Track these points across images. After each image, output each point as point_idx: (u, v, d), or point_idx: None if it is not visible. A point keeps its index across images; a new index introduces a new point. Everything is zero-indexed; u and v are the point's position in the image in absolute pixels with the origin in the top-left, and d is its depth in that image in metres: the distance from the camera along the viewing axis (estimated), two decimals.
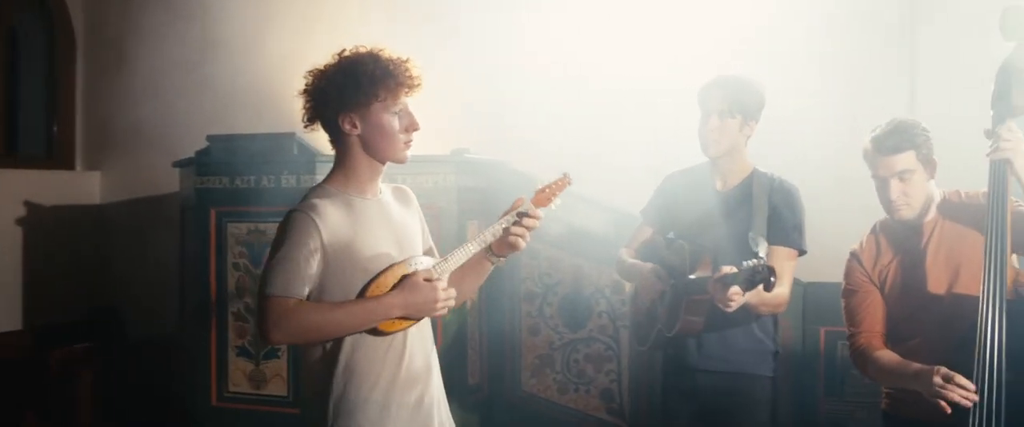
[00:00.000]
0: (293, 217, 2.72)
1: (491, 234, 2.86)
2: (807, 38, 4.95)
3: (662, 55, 5.07)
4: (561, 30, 5.33)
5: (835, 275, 3.45)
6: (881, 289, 3.29)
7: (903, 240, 3.27)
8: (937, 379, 2.93)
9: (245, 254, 4.89)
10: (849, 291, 3.34)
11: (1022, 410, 2.88)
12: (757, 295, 3.25)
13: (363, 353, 2.77)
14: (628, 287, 4.35)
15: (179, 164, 5.33)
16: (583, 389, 5.05)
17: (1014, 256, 3.08)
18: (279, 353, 4.82)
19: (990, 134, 2.95)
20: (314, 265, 2.70)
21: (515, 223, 2.85)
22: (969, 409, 2.88)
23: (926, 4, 4.94)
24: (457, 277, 2.87)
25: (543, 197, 2.88)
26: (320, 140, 4.65)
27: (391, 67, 2.75)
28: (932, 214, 3.23)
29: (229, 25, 6.06)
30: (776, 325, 3.69)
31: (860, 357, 3.29)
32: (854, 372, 4.24)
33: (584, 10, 5.31)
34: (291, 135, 4.78)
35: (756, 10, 5.00)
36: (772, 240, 3.44)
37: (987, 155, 2.95)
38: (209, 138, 5.06)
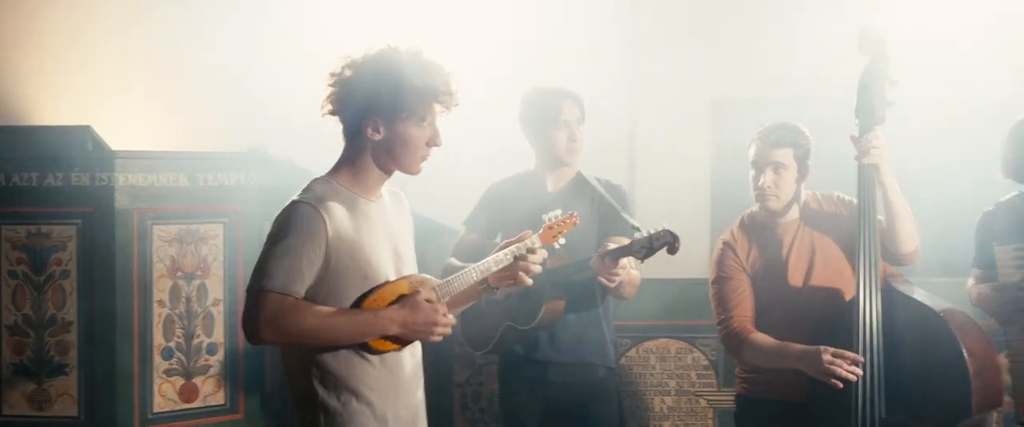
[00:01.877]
0: (299, 208, 2.57)
1: (494, 262, 2.81)
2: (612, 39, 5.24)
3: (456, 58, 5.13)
4: (359, 29, 5.25)
5: None
6: (753, 279, 3.59)
7: (770, 234, 3.60)
8: (827, 356, 3.26)
9: (24, 260, 4.37)
10: (722, 278, 3.60)
11: (895, 382, 3.28)
12: (628, 274, 3.52)
13: (357, 365, 2.64)
14: None
15: None
16: None
17: None
18: (67, 370, 4.37)
19: (857, 141, 3.32)
20: (316, 264, 2.55)
21: (521, 258, 2.82)
22: (853, 383, 3.24)
23: None
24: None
25: (550, 234, 2.90)
26: (120, 135, 4.31)
27: (431, 80, 2.63)
28: (796, 213, 3.58)
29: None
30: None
31: (735, 340, 3.55)
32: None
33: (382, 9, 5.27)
34: (85, 128, 4.34)
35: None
36: (611, 232, 3.70)
37: (856, 159, 3.32)
38: None
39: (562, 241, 2.93)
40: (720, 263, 3.61)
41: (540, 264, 2.98)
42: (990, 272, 3.56)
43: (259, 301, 2.52)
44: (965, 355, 3.24)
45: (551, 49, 5.23)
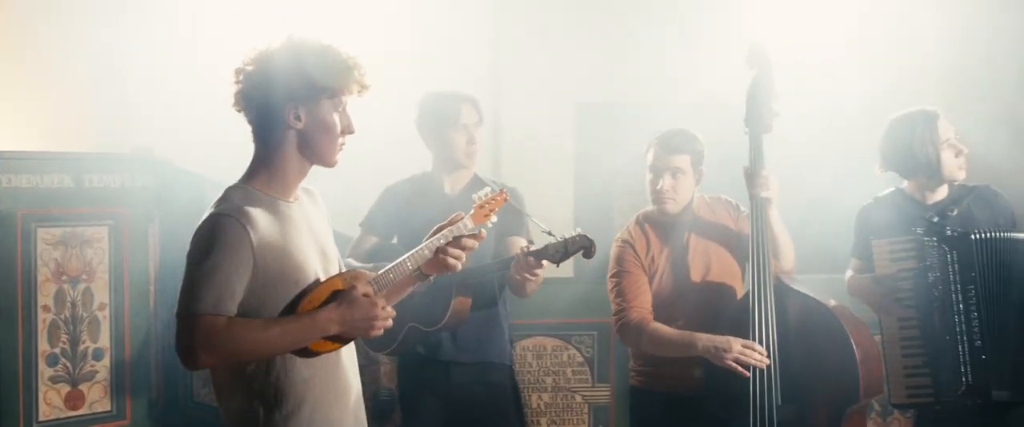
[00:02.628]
0: (219, 222, 2.42)
1: (428, 250, 2.75)
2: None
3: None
4: (238, 31, 5.17)
5: None
6: (649, 275, 3.74)
7: (669, 234, 3.76)
8: (738, 346, 3.45)
9: None
10: (621, 272, 3.72)
11: (788, 372, 3.50)
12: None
13: (295, 374, 2.52)
14: None
15: None
16: None
17: None
18: None
19: (753, 175, 3.53)
20: (245, 278, 2.42)
21: (452, 243, 2.78)
22: (752, 371, 3.44)
23: None
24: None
25: (482, 214, 2.85)
26: (3, 135, 4.15)
27: (348, 61, 2.55)
28: (689, 214, 3.77)
29: None
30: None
31: (634, 330, 3.67)
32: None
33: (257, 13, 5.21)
34: None
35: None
36: (509, 232, 3.80)
37: (752, 192, 3.53)
38: None
39: (494, 219, 2.90)
40: (619, 259, 3.74)
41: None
42: (867, 264, 3.78)
43: (191, 325, 2.38)
44: (853, 345, 3.48)
45: (423, 49, 5.29)
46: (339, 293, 2.55)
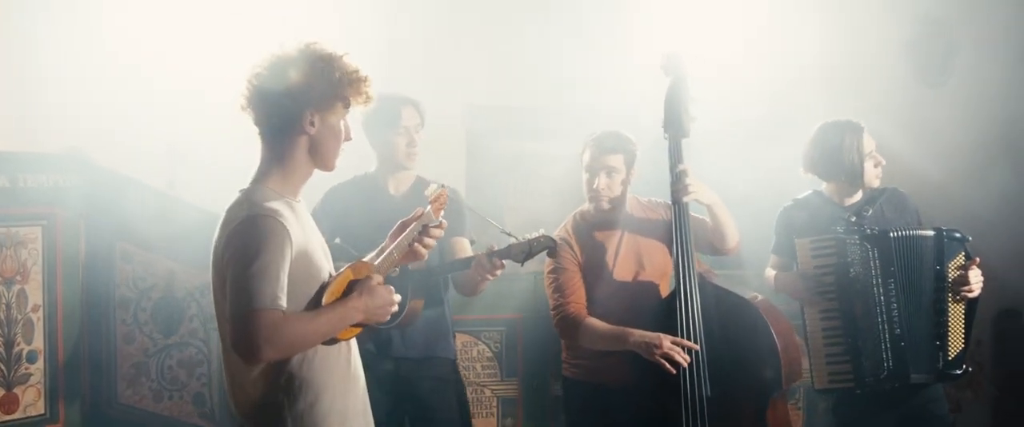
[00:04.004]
0: (263, 222, 2.53)
1: (408, 242, 2.90)
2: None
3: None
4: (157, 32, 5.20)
5: None
6: (584, 272, 3.91)
7: (603, 231, 3.94)
8: (667, 343, 3.64)
9: None
10: (558, 269, 3.88)
11: (716, 364, 3.72)
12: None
13: (317, 363, 2.66)
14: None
15: None
16: (177, 395, 4.95)
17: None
18: None
19: (675, 178, 3.74)
20: (287, 274, 2.55)
21: (423, 232, 2.92)
22: (683, 365, 3.64)
23: None
24: None
25: (437, 208, 2.98)
26: None
27: (360, 73, 2.67)
28: (625, 213, 3.96)
29: None
30: None
31: (571, 323, 3.84)
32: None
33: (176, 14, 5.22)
34: None
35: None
36: (453, 233, 3.88)
37: (677, 195, 3.73)
38: None
39: (442, 214, 3.03)
40: (556, 256, 3.88)
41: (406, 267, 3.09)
42: (787, 261, 4.03)
43: (254, 322, 2.46)
44: (775, 336, 3.73)
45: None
46: (354, 283, 2.70)
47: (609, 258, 3.93)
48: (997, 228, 5.09)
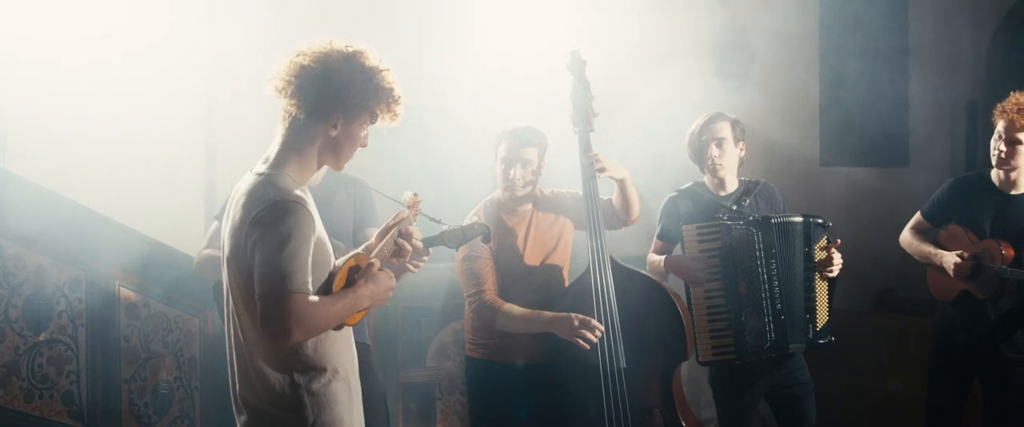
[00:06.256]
0: (291, 208, 2.63)
1: (392, 241, 3.01)
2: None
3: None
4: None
5: None
6: (496, 259, 4.14)
7: (511, 220, 4.19)
8: (576, 323, 3.92)
9: None
10: (472, 256, 4.08)
11: (628, 338, 4.05)
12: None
13: (332, 342, 2.79)
14: None
15: None
16: (47, 394, 4.78)
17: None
18: None
19: (584, 159, 4.08)
20: (310, 259, 2.66)
21: (402, 235, 3.03)
22: (595, 343, 3.95)
23: None
24: None
25: (415, 212, 3.13)
26: None
27: (393, 88, 2.76)
28: (535, 202, 4.23)
29: None
30: None
31: (488, 310, 4.07)
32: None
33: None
34: None
35: None
36: (367, 224, 4.08)
37: (592, 170, 4.06)
38: None
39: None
40: (470, 244, 4.07)
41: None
42: (669, 245, 4.44)
43: (286, 304, 2.55)
44: (680, 312, 4.14)
45: (140, 51, 5.38)
46: (356, 270, 2.81)
47: (519, 243, 4.17)
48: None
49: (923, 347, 4.89)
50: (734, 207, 4.31)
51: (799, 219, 4.27)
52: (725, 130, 4.34)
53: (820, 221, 4.30)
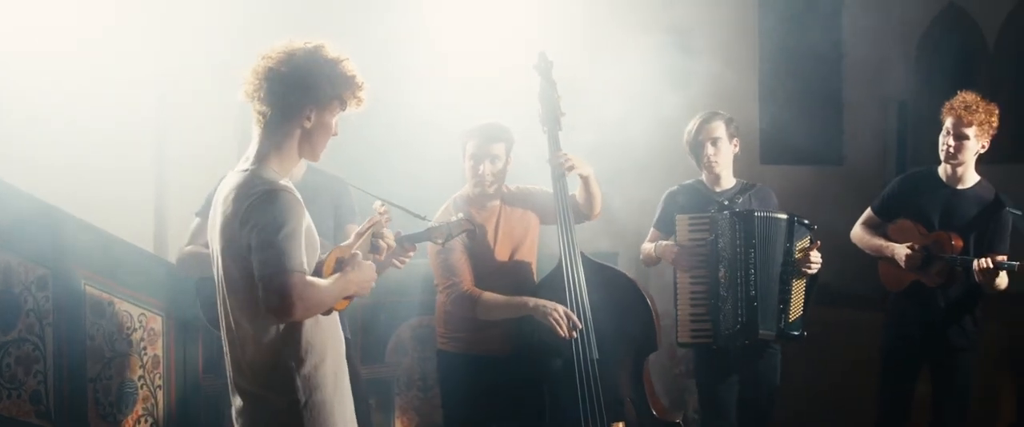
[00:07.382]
0: (283, 196, 2.76)
1: (368, 240, 3.13)
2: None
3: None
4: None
5: None
6: (469, 252, 4.22)
7: (480, 215, 4.26)
8: (555, 314, 4.05)
9: None
10: (446, 249, 4.11)
11: (600, 330, 4.18)
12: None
13: (321, 328, 2.90)
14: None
15: None
16: (15, 394, 4.75)
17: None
18: None
19: (553, 157, 4.21)
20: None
21: (375, 235, 3.16)
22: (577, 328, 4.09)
23: None
24: None
25: (386, 219, 3.24)
26: None
27: (355, 74, 2.90)
28: (503, 197, 4.33)
29: None
30: None
31: (467, 300, 4.16)
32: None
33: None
34: None
35: None
36: (347, 221, 4.18)
37: (560, 167, 4.18)
38: None
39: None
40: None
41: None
42: (665, 235, 4.64)
43: (287, 282, 2.68)
44: (648, 304, 4.29)
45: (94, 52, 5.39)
46: (341, 260, 2.94)
47: (490, 238, 4.27)
48: None
49: (866, 338, 5.10)
50: (726, 203, 4.53)
51: (784, 217, 4.49)
52: (720, 129, 4.57)
53: (805, 222, 4.53)
